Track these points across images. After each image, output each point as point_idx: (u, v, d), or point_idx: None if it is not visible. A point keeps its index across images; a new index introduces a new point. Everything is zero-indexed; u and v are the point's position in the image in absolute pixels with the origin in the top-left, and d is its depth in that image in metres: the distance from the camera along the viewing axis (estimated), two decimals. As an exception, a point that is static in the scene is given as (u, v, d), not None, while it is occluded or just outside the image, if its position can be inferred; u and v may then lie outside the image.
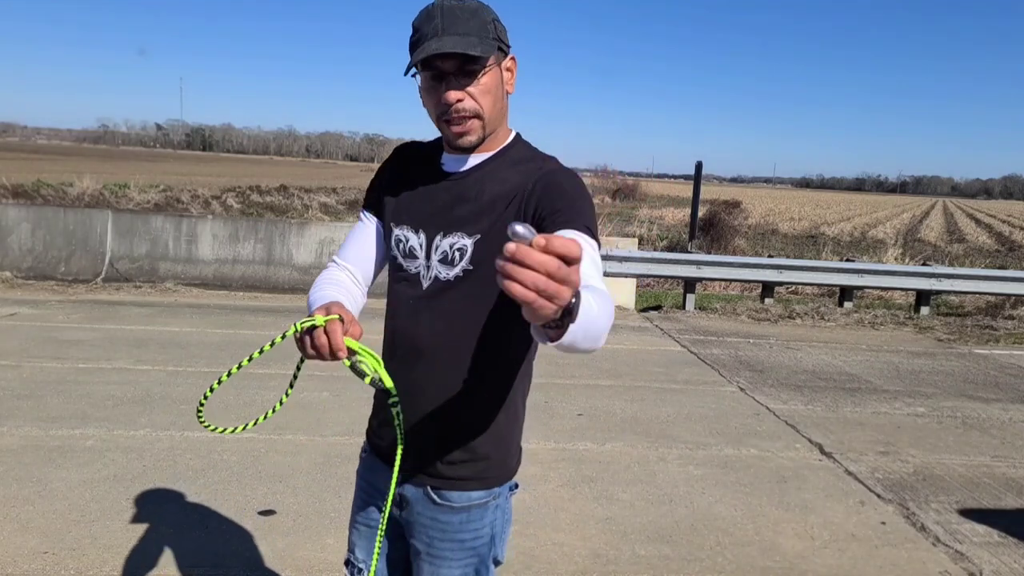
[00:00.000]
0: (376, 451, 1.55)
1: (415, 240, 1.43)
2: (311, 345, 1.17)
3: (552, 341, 0.99)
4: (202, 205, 21.17)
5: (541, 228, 1.29)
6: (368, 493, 1.56)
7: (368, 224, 1.52)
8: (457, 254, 1.38)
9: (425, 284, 1.41)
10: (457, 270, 1.38)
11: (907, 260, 15.85)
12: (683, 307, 9.84)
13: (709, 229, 17.67)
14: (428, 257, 1.41)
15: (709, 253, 12.92)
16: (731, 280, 10.83)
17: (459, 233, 1.38)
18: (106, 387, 5.13)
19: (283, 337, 1.19)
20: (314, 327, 1.17)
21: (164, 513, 3.36)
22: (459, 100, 1.31)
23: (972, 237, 30.83)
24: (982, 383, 6.65)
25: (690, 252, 11.10)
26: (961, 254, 21.35)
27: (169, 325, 7.18)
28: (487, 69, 1.32)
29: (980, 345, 8.42)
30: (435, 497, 1.45)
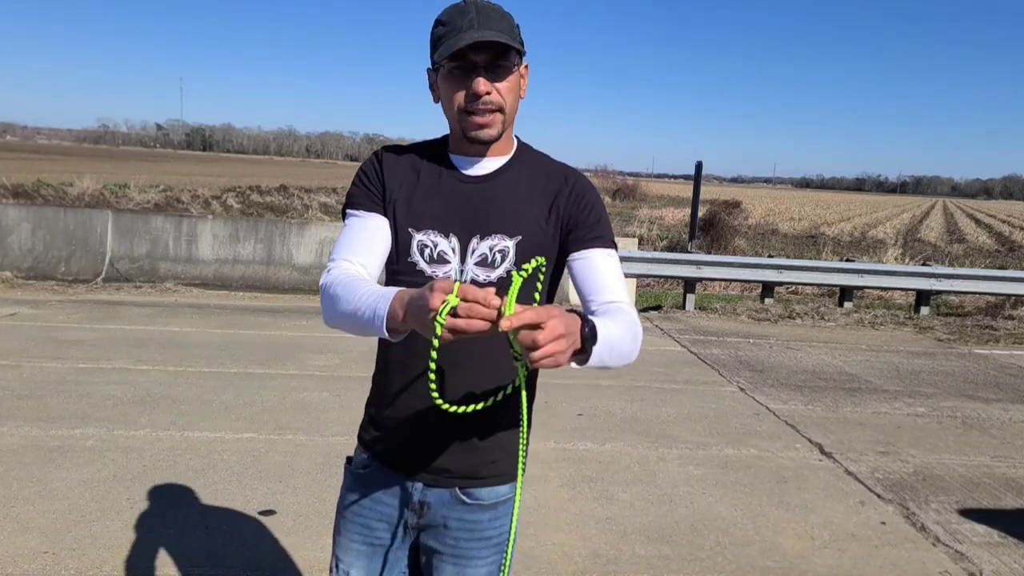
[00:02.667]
0: (389, 461, 1.48)
1: (445, 244, 1.41)
2: (462, 325, 1.05)
3: (581, 364, 1.21)
4: (202, 205, 21.17)
5: (569, 236, 1.44)
6: (372, 509, 1.50)
7: (372, 221, 1.44)
8: (499, 256, 1.40)
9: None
10: (500, 271, 1.40)
11: (907, 260, 15.86)
12: (683, 307, 9.84)
13: (709, 229, 17.67)
14: (463, 260, 1.41)
15: (709, 253, 12.93)
16: (731, 280, 10.83)
17: (498, 235, 1.40)
18: (106, 387, 5.13)
19: (438, 339, 1.06)
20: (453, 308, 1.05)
21: (164, 513, 3.36)
22: (487, 92, 1.34)
23: (972, 237, 30.84)
24: (982, 383, 6.65)
25: (690, 252, 11.10)
26: (961, 254, 21.36)
27: (169, 325, 7.19)
28: (514, 69, 1.37)
29: (980, 345, 8.42)
30: (464, 497, 1.46)
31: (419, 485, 1.46)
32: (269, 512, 3.42)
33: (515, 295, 1.09)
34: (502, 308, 1.06)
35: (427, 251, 1.41)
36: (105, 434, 4.28)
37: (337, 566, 1.55)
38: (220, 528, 3.24)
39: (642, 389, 5.84)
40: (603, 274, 1.42)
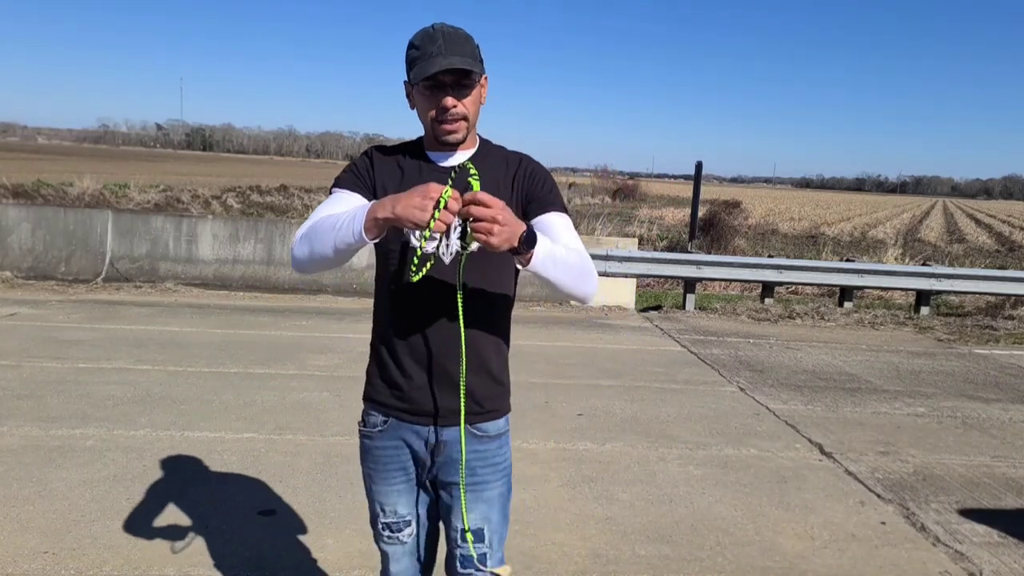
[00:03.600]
0: (403, 413, 1.75)
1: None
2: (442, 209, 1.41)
3: (523, 266, 1.55)
4: (202, 205, 21.19)
5: (528, 207, 1.74)
6: (403, 452, 1.77)
7: (354, 197, 1.70)
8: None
9: (447, 259, 1.63)
10: (476, 244, 1.66)
11: (907, 260, 15.84)
12: (683, 307, 9.84)
13: (709, 229, 17.67)
14: (447, 236, 1.64)
15: (709, 253, 12.92)
16: (731, 280, 10.83)
17: None
18: (106, 387, 5.13)
19: (443, 205, 1.41)
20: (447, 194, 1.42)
21: (164, 513, 3.36)
22: (454, 106, 1.64)
23: (972, 237, 30.84)
24: (982, 383, 6.65)
25: (690, 252, 11.10)
26: (961, 254, 21.36)
27: (169, 325, 7.18)
28: (475, 85, 1.67)
29: (980, 345, 8.42)
30: (475, 431, 1.74)
31: (432, 428, 1.74)
32: (269, 512, 3.42)
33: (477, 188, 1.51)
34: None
35: (418, 231, 1.64)
36: (105, 434, 4.28)
37: (383, 510, 1.82)
38: (220, 528, 3.24)
39: (642, 389, 5.84)
40: (558, 230, 1.70)
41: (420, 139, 1.78)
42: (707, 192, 32.12)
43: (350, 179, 1.74)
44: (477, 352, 1.72)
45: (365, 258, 9.78)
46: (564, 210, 1.78)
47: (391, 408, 1.76)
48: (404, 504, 1.81)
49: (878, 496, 4.01)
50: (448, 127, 1.66)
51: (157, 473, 3.78)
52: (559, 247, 1.60)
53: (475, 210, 1.40)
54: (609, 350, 7.18)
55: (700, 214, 14.22)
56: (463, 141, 1.71)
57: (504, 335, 1.82)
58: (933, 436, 5.08)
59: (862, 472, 4.34)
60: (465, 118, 1.66)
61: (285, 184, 33.86)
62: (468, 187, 1.51)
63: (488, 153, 1.78)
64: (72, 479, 3.65)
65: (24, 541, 3.04)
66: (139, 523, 3.25)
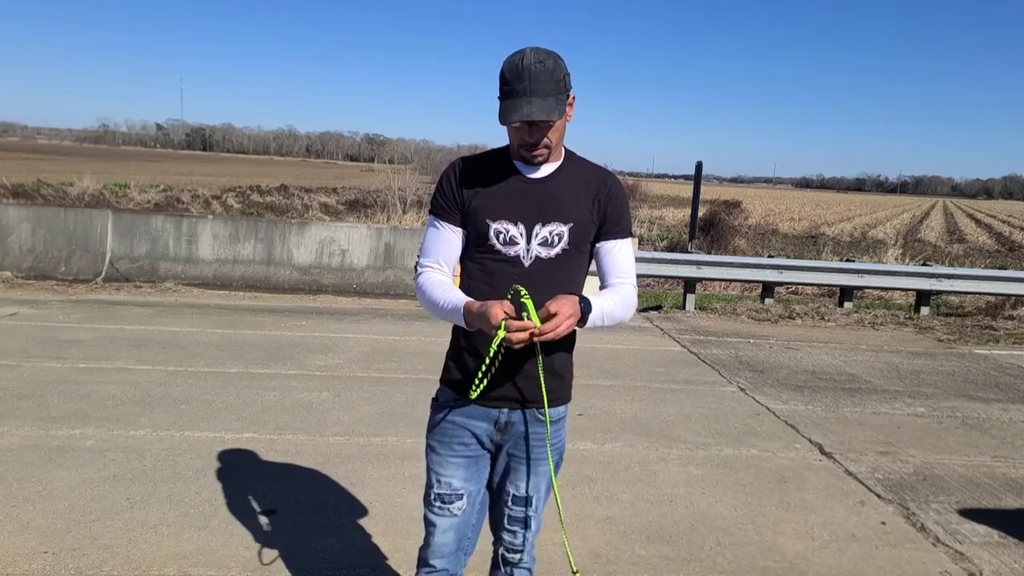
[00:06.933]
0: (480, 399, 1.91)
1: (515, 230, 1.85)
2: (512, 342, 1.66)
3: (581, 327, 1.80)
4: (202, 205, 21.20)
5: (602, 227, 1.93)
6: (467, 430, 1.94)
7: (448, 231, 1.90)
8: (556, 238, 1.86)
9: (527, 263, 1.86)
10: (557, 250, 1.87)
11: (907, 260, 15.86)
12: (683, 307, 9.83)
13: (709, 229, 17.68)
14: (529, 242, 1.86)
15: (709, 253, 12.93)
16: (731, 280, 10.83)
17: (556, 222, 1.86)
18: (106, 387, 5.13)
19: (496, 350, 1.73)
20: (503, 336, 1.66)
21: (164, 513, 3.36)
22: (537, 141, 1.80)
23: (972, 237, 30.85)
24: (982, 383, 6.65)
25: (690, 252, 11.10)
26: (961, 254, 21.37)
27: (169, 325, 7.18)
28: (557, 120, 1.77)
29: (980, 345, 8.42)
30: (539, 415, 1.95)
31: (504, 410, 1.92)
32: (269, 512, 3.42)
33: (533, 310, 1.69)
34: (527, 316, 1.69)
35: (501, 236, 1.85)
36: (105, 434, 4.28)
37: (438, 480, 1.96)
38: (220, 528, 3.24)
39: (642, 389, 5.84)
40: (619, 261, 1.95)
41: (507, 148, 1.91)
42: (707, 192, 32.12)
43: (441, 206, 1.90)
44: (550, 358, 1.91)
45: (365, 259, 9.78)
46: (630, 233, 2.00)
47: (465, 390, 1.90)
48: (459, 478, 1.95)
49: (878, 496, 4.01)
50: (532, 153, 1.82)
51: (157, 473, 3.78)
52: (608, 302, 1.85)
53: (544, 336, 1.66)
54: (609, 350, 7.18)
55: (700, 214, 14.22)
56: (547, 161, 1.87)
57: (571, 341, 1.97)
58: (933, 436, 5.08)
59: (862, 472, 4.34)
60: (547, 147, 1.82)
61: (285, 184, 33.90)
62: (524, 307, 1.70)
63: (572, 168, 1.92)
64: (72, 479, 3.65)
65: (24, 541, 3.04)
66: (139, 523, 3.25)
